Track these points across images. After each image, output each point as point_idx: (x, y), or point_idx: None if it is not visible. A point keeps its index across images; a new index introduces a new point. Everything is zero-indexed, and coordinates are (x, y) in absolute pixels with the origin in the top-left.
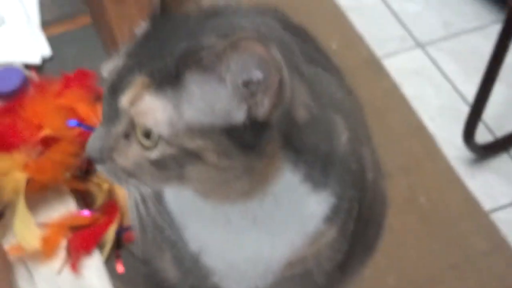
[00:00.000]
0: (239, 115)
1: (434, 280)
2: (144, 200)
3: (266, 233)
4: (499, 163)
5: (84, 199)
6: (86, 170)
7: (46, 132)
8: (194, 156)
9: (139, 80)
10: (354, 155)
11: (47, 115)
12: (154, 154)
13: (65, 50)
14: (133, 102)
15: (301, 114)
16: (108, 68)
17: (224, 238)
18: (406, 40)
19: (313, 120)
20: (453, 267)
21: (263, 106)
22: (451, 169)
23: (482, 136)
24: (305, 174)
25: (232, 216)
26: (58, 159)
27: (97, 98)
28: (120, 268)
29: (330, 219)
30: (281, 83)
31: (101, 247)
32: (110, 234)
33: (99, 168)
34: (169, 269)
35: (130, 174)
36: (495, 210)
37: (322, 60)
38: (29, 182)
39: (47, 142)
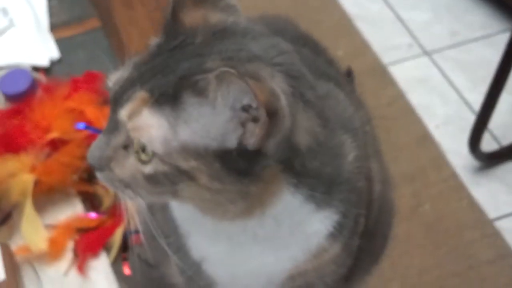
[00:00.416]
0: (231, 142)
1: None
2: (149, 207)
3: (267, 248)
4: (504, 172)
5: (91, 201)
6: (93, 173)
7: (54, 134)
8: (186, 175)
9: (139, 95)
10: (361, 172)
11: (55, 118)
12: (148, 169)
13: (74, 53)
14: (131, 116)
15: (305, 141)
16: (114, 78)
17: (226, 250)
18: (412, 48)
19: (318, 145)
20: (457, 275)
21: (253, 137)
22: (456, 177)
23: (487, 144)
24: (307, 196)
25: (232, 231)
26: (66, 161)
27: (105, 101)
28: (126, 270)
29: (333, 236)
30: (275, 114)
31: (108, 249)
32: (117, 237)
33: (98, 175)
34: (175, 275)
35: (126, 185)
36: (500, 218)
37: (332, 72)
38: (36, 184)
39: (55, 145)
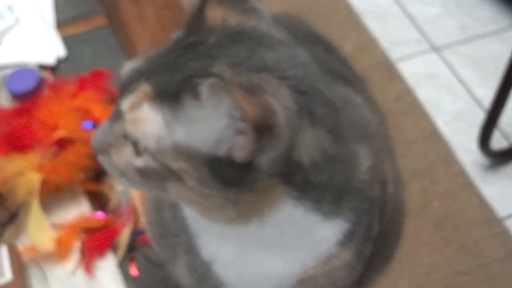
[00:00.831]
0: (221, 150)
1: (446, 286)
2: (158, 206)
3: (275, 251)
4: None
5: (98, 200)
6: (100, 172)
7: (60, 133)
8: (175, 175)
9: (143, 88)
10: (376, 180)
11: (62, 116)
12: (139, 162)
13: (80, 50)
14: (131, 108)
15: (309, 157)
16: (127, 67)
17: (235, 252)
18: (421, 43)
19: (326, 160)
20: (466, 274)
21: (242, 150)
22: (466, 174)
23: (497, 141)
24: (311, 207)
25: (238, 233)
26: (73, 160)
27: (112, 99)
28: (133, 270)
29: (343, 243)
30: (269, 131)
31: (115, 249)
32: (124, 237)
33: (98, 158)
34: (183, 275)
35: (121, 173)
36: (510, 216)
37: (346, 72)
38: (43, 183)
39: (62, 143)
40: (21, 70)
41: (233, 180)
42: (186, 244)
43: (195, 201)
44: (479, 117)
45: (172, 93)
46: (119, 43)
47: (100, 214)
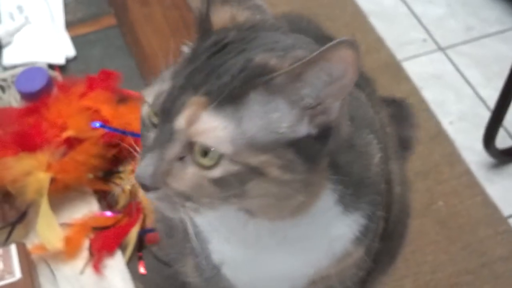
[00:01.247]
0: (307, 128)
1: (451, 285)
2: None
3: (293, 253)
4: None
5: (106, 200)
6: (109, 171)
7: (69, 133)
8: (256, 172)
9: (195, 100)
10: (384, 174)
11: (70, 116)
12: (216, 172)
13: (89, 50)
14: (190, 123)
15: (345, 127)
16: (152, 93)
17: (248, 256)
18: (427, 43)
19: (350, 141)
20: (470, 272)
21: (334, 111)
22: (471, 174)
23: (502, 141)
24: (339, 196)
25: (262, 234)
26: (82, 160)
27: (121, 99)
28: (142, 269)
29: (358, 239)
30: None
31: (123, 248)
32: (132, 236)
33: (150, 196)
34: (191, 275)
35: (186, 197)
36: None
37: None
38: (52, 182)
39: (71, 143)
40: (30, 70)
41: (315, 154)
42: (197, 248)
43: (273, 194)
44: (484, 117)
45: (230, 95)
46: (127, 44)
47: (108, 213)
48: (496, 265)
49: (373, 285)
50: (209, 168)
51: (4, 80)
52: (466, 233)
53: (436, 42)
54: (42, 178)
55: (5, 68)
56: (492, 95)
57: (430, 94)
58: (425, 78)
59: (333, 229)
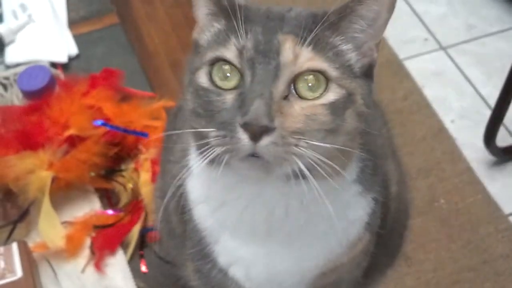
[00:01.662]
0: (362, 63)
1: (452, 282)
2: (168, 205)
3: (309, 241)
4: None
5: (108, 198)
6: (111, 170)
7: (71, 131)
8: (351, 100)
9: (291, 38)
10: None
11: (73, 114)
12: (330, 96)
13: (92, 48)
14: (296, 55)
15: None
16: (236, 46)
17: (265, 249)
18: (429, 42)
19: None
20: (472, 270)
21: (374, 51)
22: (472, 171)
23: (503, 139)
24: (360, 172)
25: (283, 223)
26: (83, 158)
27: (123, 97)
28: (143, 267)
29: (368, 224)
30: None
31: (124, 246)
32: (134, 234)
33: (265, 143)
34: (191, 278)
35: (300, 133)
36: None
37: None
38: (54, 180)
39: (73, 141)
40: (32, 68)
41: (368, 95)
42: (197, 252)
43: (357, 127)
44: (485, 115)
45: (312, 34)
46: (130, 42)
47: (110, 212)
48: (497, 263)
49: (373, 287)
50: (319, 97)
51: (7, 78)
52: (467, 231)
53: (437, 41)
54: (44, 176)
55: (8, 67)
56: (493, 93)
57: (432, 92)
58: (426, 76)
59: (351, 211)
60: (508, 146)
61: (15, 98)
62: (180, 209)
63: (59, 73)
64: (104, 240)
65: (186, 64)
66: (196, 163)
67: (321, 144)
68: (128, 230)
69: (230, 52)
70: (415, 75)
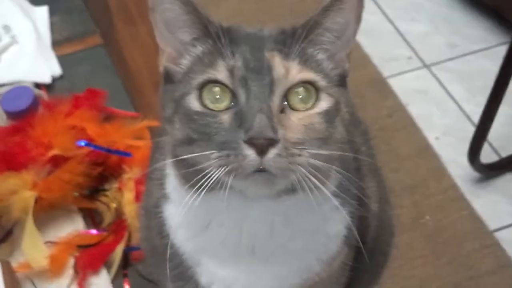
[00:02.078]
0: (337, 72)
1: None
2: (150, 224)
3: (288, 259)
4: (503, 183)
5: (92, 218)
6: (94, 189)
7: (55, 151)
8: (338, 108)
9: (275, 54)
10: (359, 189)
11: (56, 135)
12: (322, 105)
13: (76, 69)
14: (287, 69)
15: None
16: (225, 67)
17: (246, 270)
18: (412, 60)
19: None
20: (457, 286)
21: (346, 62)
22: (456, 188)
23: (487, 156)
24: (338, 184)
25: (267, 241)
26: (67, 178)
27: (106, 117)
28: (127, 287)
29: (346, 238)
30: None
31: (108, 266)
32: (117, 253)
33: (271, 156)
34: None
35: (301, 143)
36: (500, 229)
37: None
38: (37, 200)
39: (56, 161)
40: (16, 89)
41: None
42: (178, 274)
43: (344, 136)
44: (469, 132)
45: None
46: (113, 62)
47: (93, 231)
48: (483, 279)
49: None
50: (312, 107)
51: None
52: (452, 247)
53: (421, 59)
54: (28, 196)
55: None
56: (476, 111)
57: (416, 110)
58: (410, 94)
59: (330, 225)
60: (492, 162)
61: None
62: (158, 230)
63: (42, 93)
64: (88, 259)
65: (162, 95)
66: (184, 197)
67: (322, 152)
68: (112, 249)
69: (220, 73)
70: (399, 93)
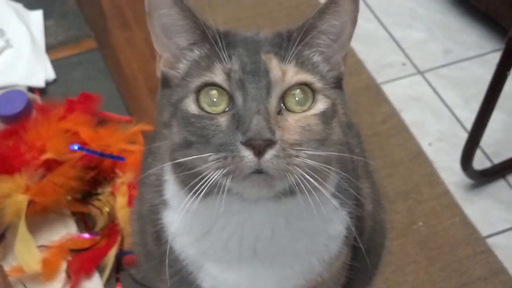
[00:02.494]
0: (332, 74)
1: None
2: (145, 229)
3: (292, 260)
4: (496, 189)
5: (85, 222)
6: (87, 193)
7: (48, 155)
8: (335, 109)
9: (271, 57)
10: (356, 189)
11: (49, 139)
12: (319, 106)
13: (69, 73)
14: (284, 72)
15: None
16: (222, 70)
17: (249, 273)
18: (406, 66)
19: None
20: None
21: (342, 64)
22: (449, 194)
23: (480, 162)
24: (335, 187)
25: (269, 243)
26: (60, 182)
27: (100, 121)
28: None
29: (346, 238)
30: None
31: (101, 270)
32: (110, 258)
33: (268, 157)
34: None
35: (299, 144)
36: (492, 235)
37: None
38: (30, 204)
39: (49, 165)
40: (9, 93)
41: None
42: (180, 280)
43: (341, 137)
44: (462, 138)
45: (290, 52)
46: (108, 67)
47: (86, 235)
48: (475, 285)
49: None
50: (309, 108)
51: None
52: (445, 253)
53: (415, 66)
54: (20, 200)
55: None
56: (469, 117)
57: (410, 116)
58: (404, 100)
59: (330, 226)
60: (485, 169)
61: None
62: (156, 236)
63: (36, 97)
64: (80, 263)
65: (159, 100)
66: (183, 201)
67: (320, 153)
68: (104, 253)
69: (217, 76)
70: (393, 99)
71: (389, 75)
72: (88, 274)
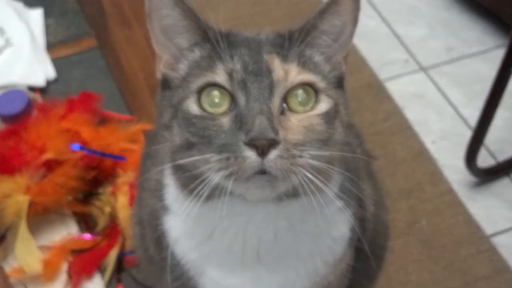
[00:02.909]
0: (334, 74)
1: None
2: (145, 233)
3: (296, 263)
4: (500, 187)
5: (86, 222)
6: (88, 193)
7: (49, 155)
8: (337, 109)
9: (273, 57)
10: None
11: (50, 138)
12: (322, 107)
13: (70, 72)
14: (286, 72)
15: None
16: (224, 70)
17: (252, 277)
18: (409, 64)
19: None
20: None
21: (343, 64)
22: (453, 192)
23: (483, 160)
24: (340, 185)
25: (272, 247)
26: (61, 182)
27: (101, 121)
28: None
29: (350, 239)
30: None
31: (102, 270)
32: (111, 258)
33: (272, 158)
34: None
35: (302, 144)
36: (496, 234)
37: None
38: (31, 205)
39: (50, 165)
40: (10, 92)
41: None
42: (181, 286)
43: (343, 137)
44: (466, 136)
45: (292, 52)
46: (108, 65)
47: (87, 236)
48: (479, 284)
49: None
50: (312, 109)
51: None
52: (449, 252)
53: (417, 62)
54: (21, 200)
55: None
56: (473, 114)
57: (412, 114)
58: (407, 97)
59: (334, 227)
60: (489, 167)
61: None
62: (157, 242)
63: (37, 97)
64: (81, 264)
65: (159, 101)
66: (184, 204)
67: (323, 153)
68: (106, 254)
69: (219, 76)
70: (396, 96)
71: (391, 72)
72: (89, 275)
